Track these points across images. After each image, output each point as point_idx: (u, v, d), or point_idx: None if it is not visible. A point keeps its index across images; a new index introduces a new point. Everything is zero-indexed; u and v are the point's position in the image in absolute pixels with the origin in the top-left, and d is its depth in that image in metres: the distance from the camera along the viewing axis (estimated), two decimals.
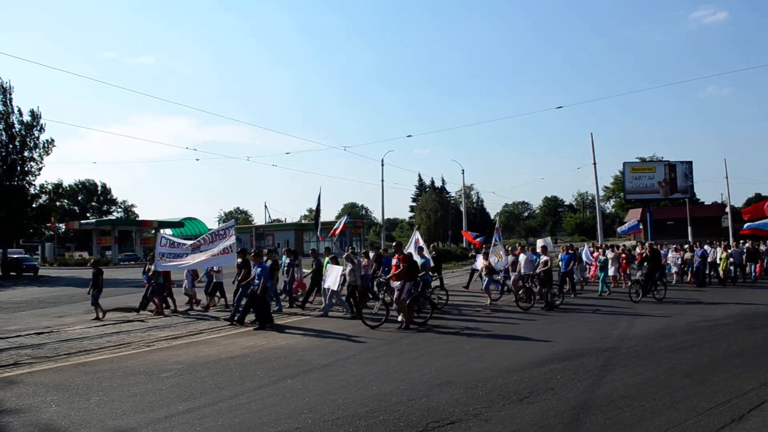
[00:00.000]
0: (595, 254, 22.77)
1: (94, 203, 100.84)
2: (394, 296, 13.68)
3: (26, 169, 39.97)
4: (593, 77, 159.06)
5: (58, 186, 45.40)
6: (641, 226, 27.71)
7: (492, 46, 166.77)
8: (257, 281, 13.78)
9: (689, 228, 46.12)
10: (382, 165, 42.53)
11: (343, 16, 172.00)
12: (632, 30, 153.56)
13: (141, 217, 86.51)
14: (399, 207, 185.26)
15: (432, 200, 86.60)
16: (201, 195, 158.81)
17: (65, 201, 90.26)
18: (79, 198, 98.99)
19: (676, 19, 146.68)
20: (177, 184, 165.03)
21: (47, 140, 40.74)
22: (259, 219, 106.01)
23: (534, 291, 16.53)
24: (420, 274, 15.00)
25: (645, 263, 18.31)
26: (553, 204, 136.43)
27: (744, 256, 23.98)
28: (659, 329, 12.21)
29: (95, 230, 68.72)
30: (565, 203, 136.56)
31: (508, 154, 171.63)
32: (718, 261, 22.71)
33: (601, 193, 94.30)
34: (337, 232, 23.66)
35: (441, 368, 8.92)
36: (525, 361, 9.18)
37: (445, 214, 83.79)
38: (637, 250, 24.91)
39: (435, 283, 18.03)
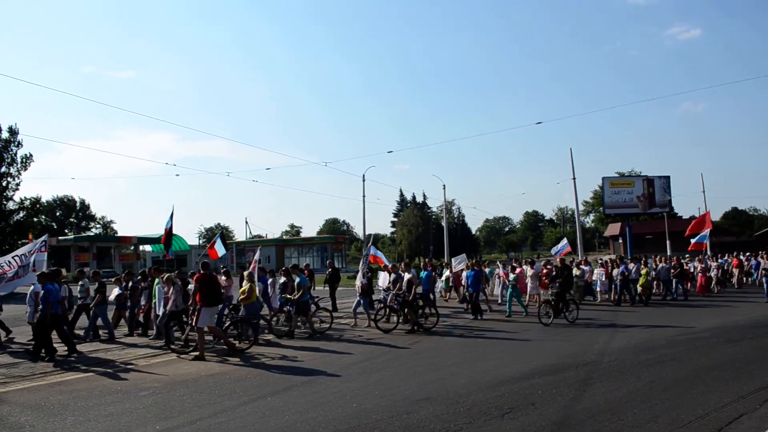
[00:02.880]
0: (503, 273, 21.32)
1: (72, 219, 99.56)
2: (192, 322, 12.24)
3: (3, 184, 39.47)
4: (573, 92, 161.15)
5: (36, 202, 44.91)
6: (569, 246, 27.61)
7: (474, 60, 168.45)
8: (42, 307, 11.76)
9: (668, 242, 46.62)
10: (364, 180, 42.60)
11: (326, 31, 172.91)
12: (608, 45, 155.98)
13: (120, 234, 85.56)
14: (381, 222, 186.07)
15: (413, 215, 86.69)
16: (181, 211, 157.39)
17: (43, 217, 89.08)
18: (57, 214, 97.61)
19: (651, 36, 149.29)
20: (157, 200, 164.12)
21: (25, 155, 40.39)
22: (240, 235, 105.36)
23: (395, 311, 15.75)
24: (296, 295, 14.56)
25: (556, 281, 16.67)
26: (533, 219, 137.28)
27: (671, 273, 22.78)
28: (639, 343, 12.26)
29: (73, 246, 67.86)
30: (546, 218, 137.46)
31: (489, 168, 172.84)
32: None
33: (581, 207, 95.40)
34: (217, 255, 21.38)
35: (422, 384, 8.89)
36: (506, 376, 9.17)
37: (426, 230, 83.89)
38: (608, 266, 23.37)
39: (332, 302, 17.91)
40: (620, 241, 70.27)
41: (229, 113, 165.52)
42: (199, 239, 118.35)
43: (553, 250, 27.78)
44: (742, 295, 23.88)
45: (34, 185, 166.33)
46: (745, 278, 28.38)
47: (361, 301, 16.73)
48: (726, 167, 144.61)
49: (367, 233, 47.64)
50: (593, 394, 7.90)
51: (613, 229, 78.49)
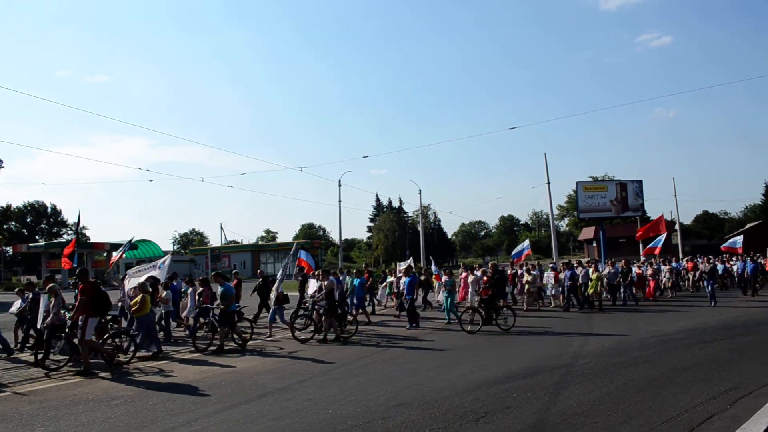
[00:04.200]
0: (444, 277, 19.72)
1: (43, 225, 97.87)
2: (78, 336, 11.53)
3: None
4: (548, 97, 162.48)
5: (6, 208, 44.13)
6: (529, 249, 27.77)
7: (450, 65, 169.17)
8: None
9: (640, 245, 47.16)
10: (340, 185, 42.45)
11: (303, 37, 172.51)
12: (583, 53, 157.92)
13: (93, 240, 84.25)
14: (357, 227, 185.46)
15: (390, 220, 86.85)
16: (156, 217, 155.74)
17: (13, 223, 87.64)
18: (28, 220, 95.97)
19: (623, 43, 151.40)
20: (131, 206, 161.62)
21: None
22: (215, 240, 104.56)
23: (314, 319, 15.02)
24: (216, 304, 13.77)
25: (487, 286, 15.97)
26: (509, 223, 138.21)
27: (618, 278, 22.26)
28: (613, 345, 12.40)
29: (44, 253, 66.67)
30: (521, 222, 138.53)
31: (465, 173, 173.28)
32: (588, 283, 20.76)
33: (556, 212, 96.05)
34: (113, 261, 20.37)
35: (398, 389, 8.87)
36: (482, 380, 9.20)
37: (402, 234, 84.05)
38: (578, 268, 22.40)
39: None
40: (594, 244, 71.09)
41: (203, 119, 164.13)
42: (174, 245, 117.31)
43: (514, 252, 27.84)
44: (696, 299, 23.69)
45: (5, 191, 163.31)
46: (701, 282, 27.42)
47: (276, 311, 16.24)
48: (697, 171, 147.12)
49: (342, 238, 47.58)
50: (567, 397, 7.95)
51: (588, 233, 79.48)
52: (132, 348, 12.55)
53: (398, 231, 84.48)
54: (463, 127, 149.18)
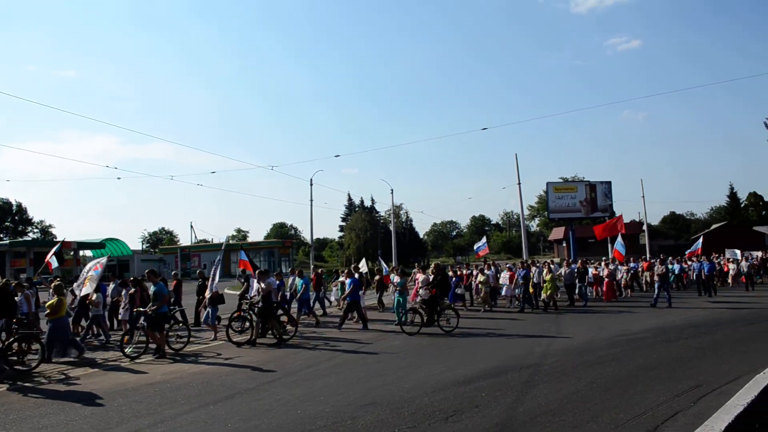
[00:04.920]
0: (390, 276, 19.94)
1: (8, 223, 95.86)
2: None
3: None
4: (520, 98, 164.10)
5: None
6: (486, 247, 28.07)
7: (423, 64, 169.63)
8: None
9: (609, 246, 47.85)
10: (311, 184, 42.27)
11: (275, 36, 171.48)
12: (554, 55, 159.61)
13: (59, 238, 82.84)
14: (329, 227, 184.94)
15: (362, 220, 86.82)
16: (124, 215, 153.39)
17: None
18: None
19: (592, 46, 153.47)
20: (99, 204, 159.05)
21: None
22: (185, 239, 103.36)
23: (251, 321, 14.48)
24: (152, 307, 12.78)
25: (430, 287, 15.46)
26: (480, 223, 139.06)
27: (575, 277, 22.17)
28: (581, 344, 12.54)
29: (9, 252, 65.20)
30: (493, 222, 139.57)
31: (437, 173, 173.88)
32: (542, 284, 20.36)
33: (527, 212, 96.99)
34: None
35: (367, 389, 8.86)
36: (451, 380, 9.22)
37: (374, 234, 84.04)
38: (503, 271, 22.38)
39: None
40: (564, 244, 71.93)
41: (173, 116, 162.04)
42: (143, 244, 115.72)
43: (475, 247, 27.95)
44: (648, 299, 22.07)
45: None
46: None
47: (209, 312, 15.59)
48: (665, 173, 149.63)
49: (314, 238, 47.40)
50: (535, 396, 8.02)
51: (558, 233, 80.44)
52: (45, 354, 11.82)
53: (370, 231, 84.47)
54: (435, 127, 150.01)
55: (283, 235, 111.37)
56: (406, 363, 11.16)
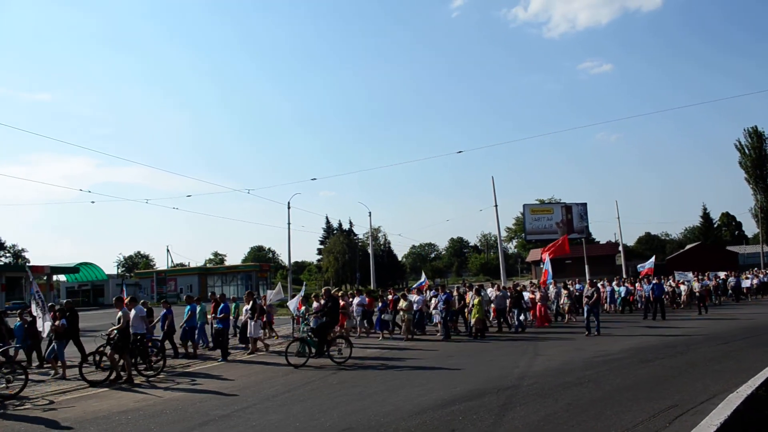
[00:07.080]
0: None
1: None
2: None
3: None
4: (497, 121, 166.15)
5: None
6: (427, 280, 28.09)
7: (400, 87, 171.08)
8: None
9: (586, 266, 48.25)
10: (288, 208, 42.20)
11: (252, 59, 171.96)
12: (528, 78, 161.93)
13: (32, 263, 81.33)
14: (307, 250, 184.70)
15: (340, 242, 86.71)
16: (99, 239, 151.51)
17: None
18: None
19: (565, 70, 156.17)
20: (73, 228, 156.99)
21: None
22: (161, 263, 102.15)
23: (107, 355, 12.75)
24: (113, 331, 12.32)
25: (321, 314, 14.69)
26: (458, 245, 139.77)
27: (508, 302, 20.72)
28: (559, 365, 12.53)
29: None
30: (471, 244, 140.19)
31: (415, 195, 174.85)
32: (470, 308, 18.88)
33: (504, 234, 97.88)
34: None
35: (344, 414, 8.74)
36: (429, 404, 9.13)
37: (353, 257, 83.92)
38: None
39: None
40: (542, 266, 72.22)
41: (148, 140, 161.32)
42: (118, 268, 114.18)
43: (414, 286, 27.68)
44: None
45: None
46: (608, 305, 26.63)
47: (55, 346, 14.13)
48: (638, 195, 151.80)
49: (292, 261, 47.14)
50: (512, 418, 7.97)
51: (535, 254, 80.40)
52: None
53: (348, 253, 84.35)
54: (413, 150, 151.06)
55: (260, 258, 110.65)
56: (387, 387, 11.04)
